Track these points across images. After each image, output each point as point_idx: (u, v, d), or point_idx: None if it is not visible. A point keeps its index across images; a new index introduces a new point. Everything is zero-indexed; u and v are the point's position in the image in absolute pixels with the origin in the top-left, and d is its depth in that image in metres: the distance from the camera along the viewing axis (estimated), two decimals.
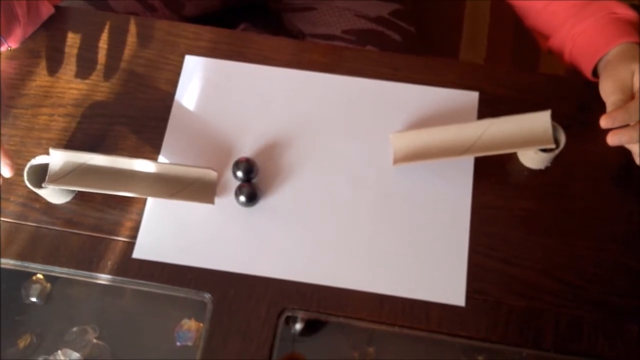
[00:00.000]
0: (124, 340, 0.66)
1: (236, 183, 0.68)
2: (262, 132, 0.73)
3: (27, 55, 0.76)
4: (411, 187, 0.70)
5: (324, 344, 0.67)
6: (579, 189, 0.69)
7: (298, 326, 0.66)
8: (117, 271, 0.66)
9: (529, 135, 0.67)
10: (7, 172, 0.61)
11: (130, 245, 0.67)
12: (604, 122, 0.61)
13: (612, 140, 0.62)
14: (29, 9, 0.72)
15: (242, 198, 0.67)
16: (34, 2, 0.73)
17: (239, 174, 0.68)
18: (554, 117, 0.67)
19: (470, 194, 0.69)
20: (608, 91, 0.65)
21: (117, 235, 0.68)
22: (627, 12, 0.70)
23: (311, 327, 0.68)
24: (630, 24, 0.69)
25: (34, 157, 0.67)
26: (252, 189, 0.67)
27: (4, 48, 0.69)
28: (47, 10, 0.77)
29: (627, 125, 0.62)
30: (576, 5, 0.72)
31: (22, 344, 0.67)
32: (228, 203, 0.69)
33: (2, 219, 0.69)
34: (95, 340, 0.66)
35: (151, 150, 0.72)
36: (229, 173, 0.70)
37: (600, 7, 0.70)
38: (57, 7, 0.78)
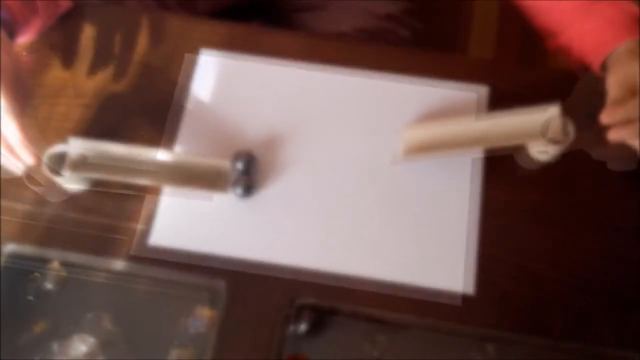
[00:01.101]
0: (138, 326, 0.67)
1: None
2: (275, 124, 0.74)
3: (46, 48, 0.77)
4: (421, 179, 0.71)
5: (329, 343, 0.68)
6: (587, 182, 0.70)
7: (303, 327, 0.67)
8: (132, 258, 0.67)
9: (538, 129, 0.68)
10: (28, 163, 0.62)
11: (146, 233, 0.68)
12: (604, 119, 0.62)
13: (613, 136, 0.63)
14: (48, 2, 0.74)
15: (239, 190, 0.68)
16: None
17: (239, 166, 0.69)
18: (561, 112, 0.68)
19: (479, 186, 0.70)
20: (610, 87, 0.66)
21: (133, 223, 0.69)
22: (636, 9, 0.71)
23: (316, 326, 0.69)
24: (639, 21, 0.70)
25: (52, 146, 0.68)
26: (248, 182, 0.69)
27: (23, 39, 0.70)
28: (65, 5, 0.78)
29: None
30: (585, 3, 0.73)
31: (37, 329, 0.67)
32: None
33: (20, 206, 0.70)
34: (109, 326, 0.67)
35: (167, 141, 0.73)
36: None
37: (608, 5, 0.71)
38: (74, 3, 0.80)
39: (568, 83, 0.75)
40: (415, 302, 0.66)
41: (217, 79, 0.76)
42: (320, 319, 0.67)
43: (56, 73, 0.76)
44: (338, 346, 0.67)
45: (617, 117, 0.62)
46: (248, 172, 0.69)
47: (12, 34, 0.67)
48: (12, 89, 0.62)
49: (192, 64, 0.77)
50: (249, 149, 0.71)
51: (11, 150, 0.63)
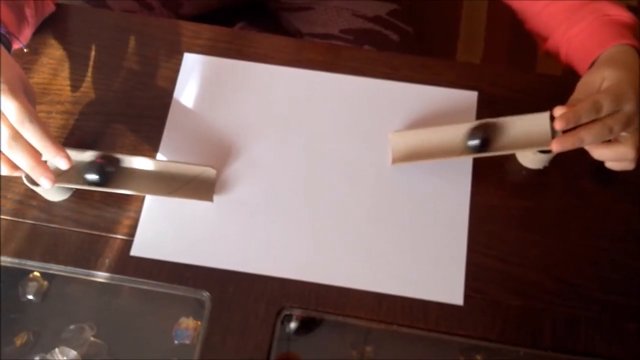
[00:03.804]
0: (121, 338, 0.66)
1: None
2: (260, 130, 0.73)
3: (25, 52, 0.76)
4: (410, 186, 0.70)
5: (319, 343, 0.67)
6: (577, 188, 0.70)
7: (293, 325, 0.66)
8: (114, 269, 0.66)
9: (528, 136, 0.67)
10: (64, 165, 0.60)
11: (128, 243, 0.67)
12: (558, 125, 0.61)
13: (556, 147, 0.62)
14: (36, 9, 0.72)
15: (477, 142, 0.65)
16: (40, 3, 0.73)
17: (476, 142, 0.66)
18: (551, 118, 0.67)
19: (468, 193, 0.69)
20: (575, 90, 0.65)
21: (115, 233, 0.68)
22: (622, 14, 0.70)
23: (306, 326, 0.68)
24: (624, 26, 0.70)
25: None
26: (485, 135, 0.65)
27: (16, 46, 0.69)
28: (49, 8, 0.76)
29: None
30: (571, 7, 0.72)
31: (19, 342, 0.66)
32: (227, 201, 0.69)
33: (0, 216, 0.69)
34: (92, 339, 0.66)
35: (149, 148, 0.71)
36: (227, 170, 0.70)
37: (594, 9, 0.71)
38: (56, 5, 0.78)
39: (557, 88, 0.74)
40: (403, 312, 0.65)
41: (201, 83, 0.75)
42: (310, 317, 0.66)
43: (36, 79, 0.75)
44: (328, 344, 0.66)
45: (571, 122, 0.60)
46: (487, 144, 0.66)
47: (8, 47, 0.66)
48: (27, 98, 0.61)
49: (176, 68, 0.75)
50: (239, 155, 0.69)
51: (39, 161, 0.60)
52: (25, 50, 0.72)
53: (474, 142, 0.66)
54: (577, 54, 0.71)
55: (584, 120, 0.61)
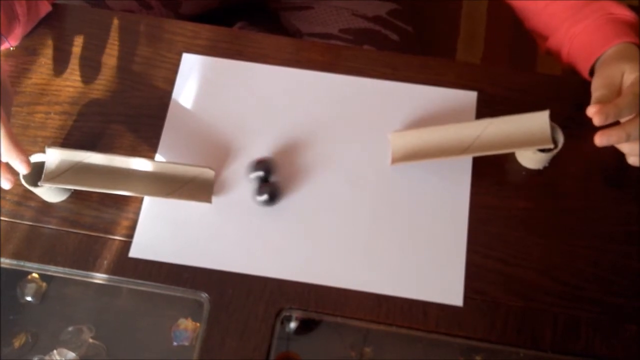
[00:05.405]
0: (120, 339, 0.66)
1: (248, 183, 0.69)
2: (259, 131, 0.72)
3: (23, 52, 0.76)
4: (410, 186, 0.70)
5: (318, 343, 0.67)
6: (577, 189, 0.69)
7: (292, 325, 0.66)
8: (113, 270, 0.66)
9: (528, 136, 0.67)
10: (23, 170, 0.60)
11: (127, 245, 0.67)
12: (597, 120, 0.60)
13: (601, 140, 0.61)
14: (29, 8, 0.72)
15: (265, 197, 0.67)
16: (34, 2, 0.73)
17: (260, 173, 0.68)
18: (551, 117, 0.67)
19: (468, 193, 0.69)
20: (594, 87, 0.65)
21: (114, 234, 0.67)
22: (625, 13, 0.70)
23: (306, 326, 0.68)
24: (628, 25, 0.70)
25: (29, 155, 0.66)
26: (272, 189, 0.67)
27: (4, 46, 0.69)
28: (45, 8, 0.76)
29: (612, 126, 0.61)
30: (574, 6, 0.72)
31: (17, 343, 0.66)
32: (226, 202, 0.69)
33: None
34: (91, 340, 0.66)
35: (148, 148, 0.71)
36: (226, 172, 0.70)
37: (597, 8, 0.70)
38: (54, 5, 0.78)
39: (557, 87, 0.74)
40: (403, 313, 0.64)
41: (200, 83, 0.75)
42: (309, 319, 0.66)
43: (34, 79, 0.74)
44: (327, 344, 0.66)
45: (611, 117, 0.60)
46: (268, 179, 0.68)
47: None
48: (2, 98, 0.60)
49: (175, 69, 0.75)
50: (267, 155, 0.69)
51: None
52: (12, 48, 0.72)
53: (257, 174, 0.68)
54: (580, 51, 0.71)
55: (625, 114, 0.60)
